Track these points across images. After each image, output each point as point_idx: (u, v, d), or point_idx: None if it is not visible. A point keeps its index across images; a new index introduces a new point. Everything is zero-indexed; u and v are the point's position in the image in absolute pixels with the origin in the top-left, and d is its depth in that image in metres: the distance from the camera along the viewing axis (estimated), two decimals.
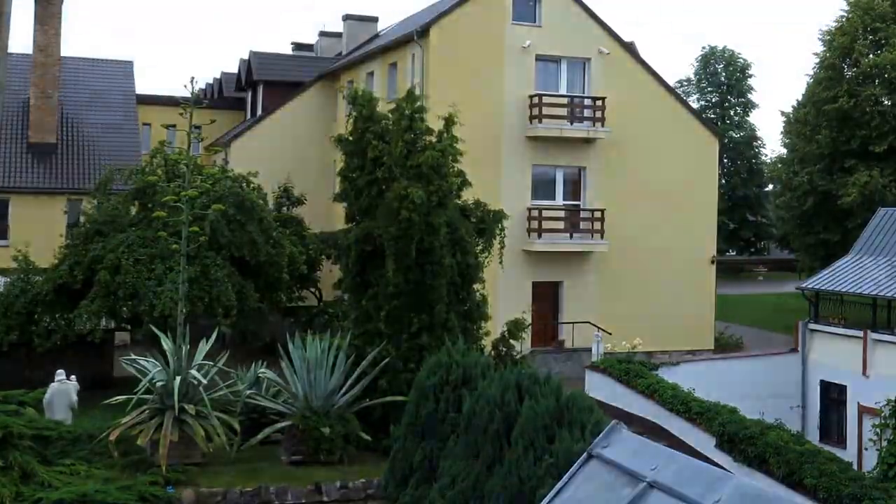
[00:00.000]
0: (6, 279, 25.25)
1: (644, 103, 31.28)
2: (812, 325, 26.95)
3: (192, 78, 18.83)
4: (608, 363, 24.78)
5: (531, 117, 29.92)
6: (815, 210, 42.32)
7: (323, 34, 46.23)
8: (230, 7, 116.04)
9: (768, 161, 64.08)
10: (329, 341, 19.87)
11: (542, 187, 30.67)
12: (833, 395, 26.23)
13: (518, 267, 28.61)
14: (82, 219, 27.53)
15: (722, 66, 68.60)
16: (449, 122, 20.74)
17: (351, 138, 21.40)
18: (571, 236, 30.36)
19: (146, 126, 39.84)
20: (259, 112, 39.64)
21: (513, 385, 14.08)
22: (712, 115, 66.29)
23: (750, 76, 68.55)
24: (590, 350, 27.01)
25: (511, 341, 21.46)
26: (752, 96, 68.65)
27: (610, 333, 28.16)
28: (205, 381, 18.47)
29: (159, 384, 18.11)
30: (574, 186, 31.28)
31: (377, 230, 20.15)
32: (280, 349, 20.03)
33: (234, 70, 44.39)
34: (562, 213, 30.50)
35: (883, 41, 41.64)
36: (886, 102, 41.11)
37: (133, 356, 19.72)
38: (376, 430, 18.94)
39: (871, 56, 41.39)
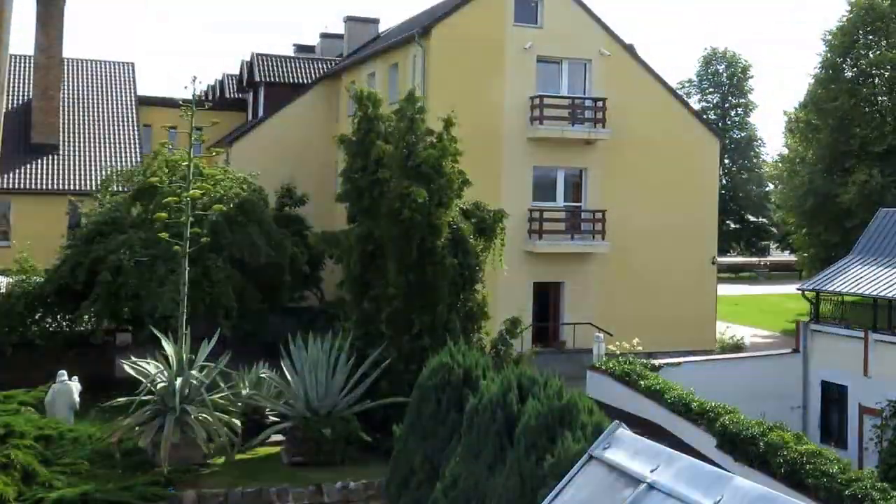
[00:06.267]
0: (8, 280, 25.28)
1: (645, 104, 31.27)
2: (813, 326, 26.96)
3: (195, 78, 18.83)
4: (609, 364, 24.78)
5: (532, 118, 29.93)
6: (815, 210, 42.31)
7: (324, 35, 46.28)
8: (232, 9, 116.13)
9: (769, 161, 64.20)
10: (330, 342, 19.88)
11: (543, 188, 30.66)
12: (834, 396, 26.23)
13: (519, 268, 28.59)
14: (84, 220, 27.55)
15: (723, 66, 68.71)
16: (448, 123, 20.79)
17: (354, 138, 21.46)
18: (572, 237, 30.36)
19: (147, 127, 39.88)
20: (261, 113, 39.65)
21: (514, 385, 14.09)
22: (713, 116, 66.36)
23: (751, 77, 68.73)
24: (591, 351, 27.01)
25: (509, 340, 21.48)
26: (753, 97, 68.87)
27: (611, 334, 28.17)
28: (206, 382, 18.48)
29: (160, 385, 18.12)
30: (575, 188, 31.29)
31: (379, 230, 20.17)
32: (281, 350, 20.03)
33: (236, 71, 44.42)
34: (563, 215, 30.52)
35: (883, 40, 41.63)
36: (886, 101, 41.11)
37: (134, 357, 19.73)
38: (377, 431, 18.94)
39: (870, 55, 41.38)
